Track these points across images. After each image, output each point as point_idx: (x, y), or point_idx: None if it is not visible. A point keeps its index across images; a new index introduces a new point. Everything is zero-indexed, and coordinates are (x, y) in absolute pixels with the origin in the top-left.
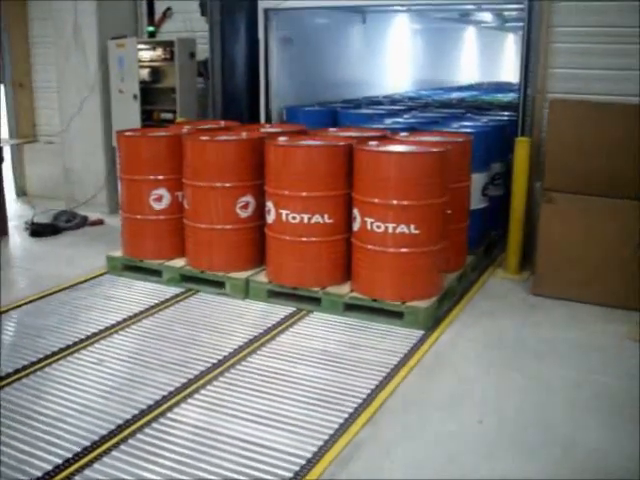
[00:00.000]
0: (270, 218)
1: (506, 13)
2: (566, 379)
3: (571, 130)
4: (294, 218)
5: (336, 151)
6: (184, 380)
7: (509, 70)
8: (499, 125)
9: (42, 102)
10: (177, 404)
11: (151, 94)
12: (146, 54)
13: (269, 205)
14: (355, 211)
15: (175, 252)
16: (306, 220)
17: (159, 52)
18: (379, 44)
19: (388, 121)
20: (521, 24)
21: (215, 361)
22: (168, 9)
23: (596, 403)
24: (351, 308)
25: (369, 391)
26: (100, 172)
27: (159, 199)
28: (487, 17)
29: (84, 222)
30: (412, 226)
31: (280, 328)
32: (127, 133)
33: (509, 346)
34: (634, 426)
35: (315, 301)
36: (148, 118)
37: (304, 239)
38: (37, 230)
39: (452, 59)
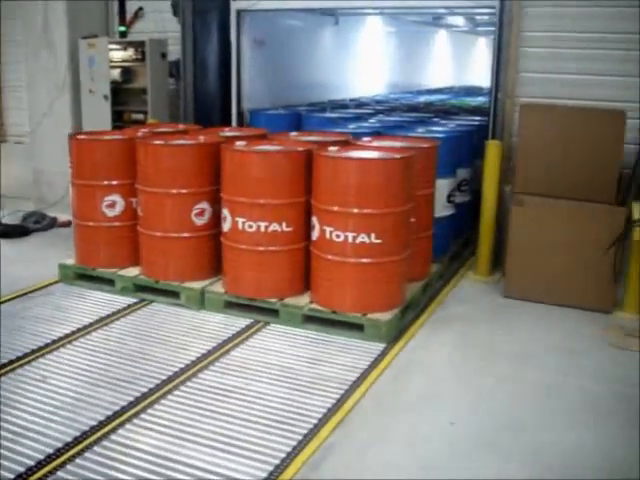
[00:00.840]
0: (226, 226)
1: (478, 17)
2: (537, 381)
3: (541, 134)
4: (250, 226)
5: (294, 157)
6: (131, 398)
7: (480, 74)
8: (466, 130)
9: (11, 102)
10: (122, 425)
11: (122, 95)
12: (117, 54)
13: (225, 213)
14: (314, 219)
15: (129, 260)
16: (263, 228)
17: (130, 52)
18: (352, 46)
19: (352, 125)
20: (492, 28)
21: (165, 377)
22: (140, 9)
23: (567, 404)
24: (310, 320)
25: (325, 410)
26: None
27: (112, 205)
28: (459, 21)
29: (53, 223)
30: (373, 235)
31: (235, 341)
32: (79, 136)
33: (479, 350)
34: (605, 426)
35: (273, 313)
36: (119, 119)
37: (261, 248)
38: (5, 231)
39: (424, 62)
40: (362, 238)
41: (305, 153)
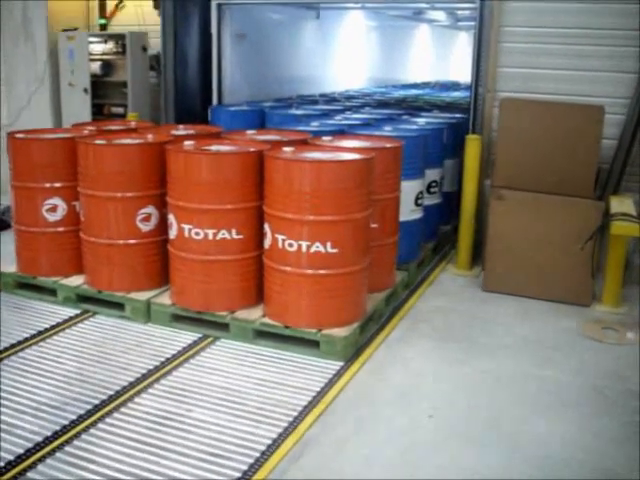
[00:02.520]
0: (172, 233)
1: (459, 12)
2: (516, 373)
3: (521, 128)
4: (197, 234)
5: (244, 158)
6: (57, 427)
7: (459, 69)
8: (437, 128)
9: None
10: (41, 460)
11: (102, 88)
12: (97, 47)
13: (171, 219)
14: (266, 226)
15: (73, 269)
16: (211, 236)
17: (110, 45)
18: (333, 40)
19: (316, 123)
20: (473, 23)
21: (98, 402)
22: (120, 1)
23: (546, 397)
24: (263, 335)
25: (270, 442)
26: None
27: (53, 209)
28: (440, 16)
29: None
30: (328, 244)
31: (180, 359)
32: (18, 135)
33: (456, 344)
34: (582, 419)
35: (223, 327)
36: (98, 112)
37: (209, 257)
38: None
39: (404, 57)
40: (317, 247)
41: (257, 154)
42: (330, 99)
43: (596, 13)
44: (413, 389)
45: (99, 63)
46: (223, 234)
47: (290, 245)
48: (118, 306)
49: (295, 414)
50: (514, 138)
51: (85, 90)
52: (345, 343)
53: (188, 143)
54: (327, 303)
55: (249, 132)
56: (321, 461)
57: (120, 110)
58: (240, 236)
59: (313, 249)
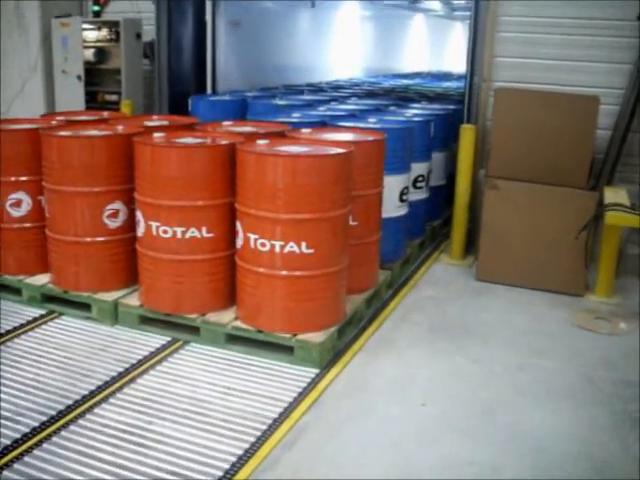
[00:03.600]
0: (140, 231)
1: (454, 2)
2: (509, 363)
3: (516, 118)
4: (165, 232)
5: (215, 152)
6: (6, 442)
7: (453, 59)
8: (423, 120)
9: None
10: None
11: (96, 75)
12: (91, 34)
13: (138, 215)
14: (238, 225)
15: (40, 267)
16: (180, 234)
17: (104, 32)
18: (328, 30)
19: (298, 114)
20: (469, 13)
21: (54, 413)
22: None
23: (539, 387)
24: (235, 340)
25: (235, 459)
26: None
27: (18, 204)
28: (436, 5)
29: None
30: (303, 244)
31: (146, 365)
32: None
33: (448, 332)
34: (574, 408)
35: (193, 330)
36: (92, 100)
37: (178, 257)
38: None
39: (398, 46)
40: (291, 247)
41: (228, 147)
42: (317, 89)
43: (592, 4)
44: (393, 398)
45: (93, 50)
46: (192, 232)
47: (263, 245)
48: (84, 307)
49: (264, 428)
50: (509, 128)
51: (79, 77)
52: (321, 349)
53: (158, 135)
54: (302, 306)
55: (225, 123)
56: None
57: (114, 97)
58: (210, 235)
59: (287, 249)
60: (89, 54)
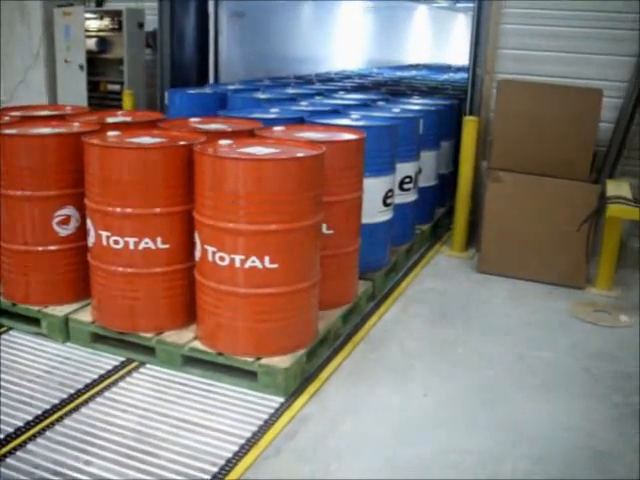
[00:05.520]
0: (90, 240)
1: None
2: (509, 353)
3: (519, 110)
4: (117, 242)
5: (170, 153)
6: None
7: (454, 50)
8: (412, 116)
9: None
10: None
11: (98, 65)
12: (93, 23)
13: (88, 223)
14: (196, 235)
15: None
16: (132, 245)
17: (106, 22)
18: (329, 21)
19: (276, 109)
20: (471, 4)
21: None
22: None
23: (538, 378)
24: (193, 362)
25: None
26: None
27: None
28: None
29: None
30: (267, 259)
31: (93, 391)
32: None
33: (451, 323)
34: (573, 400)
35: (149, 350)
36: (95, 89)
37: (131, 270)
38: None
39: (400, 38)
40: (253, 262)
41: (185, 149)
42: (305, 81)
43: None
44: (369, 430)
45: (95, 39)
46: (146, 243)
47: (221, 259)
48: (34, 321)
49: (215, 470)
50: (512, 120)
51: (81, 67)
52: (287, 375)
53: (112, 134)
54: (266, 327)
55: (192, 120)
56: None
57: (116, 87)
58: (166, 246)
59: (248, 264)
60: (91, 43)
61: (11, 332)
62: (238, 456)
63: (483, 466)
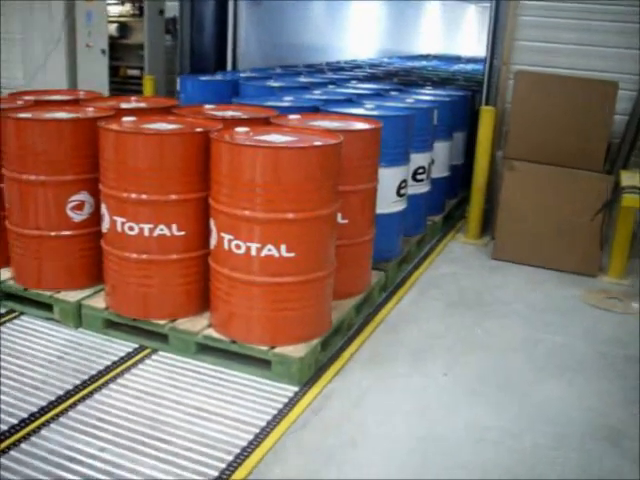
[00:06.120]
0: (105, 226)
1: None
2: (524, 338)
3: (535, 101)
4: (132, 228)
5: (186, 140)
6: None
7: (465, 41)
8: (426, 107)
9: (3, 55)
10: None
11: (118, 50)
12: (114, 9)
13: (103, 209)
14: (211, 223)
15: (2, 261)
16: (147, 232)
17: (127, 7)
18: (344, 10)
19: (290, 97)
20: None
21: None
22: None
23: (553, 361)
24: (206, 350)
25: None
26: None
27: None
28: None
29: None
30: (283, 247)
31: (106, 378)
32: None
33: (466, 309)
34: (588, 382)
35: (162, 337)
36: (115, 74)
37: (146, 256)
38: None
39: (412, 29)
40: (268, 250)
41: (202, 135)
42: (316, 70)
43: None
44: (384, 419)
45: (116, 25)
46: (161, 230)
47: (237, 247)
48: (47, 307)
49: (230, 459)
50: (528, 111)
51: (103, 51)
52: (301, 365)
53: (127, 119)
54: (281, 316)
55: (207, 107)
56: None
57: (136, 72)
58: (182, 233)
59: (264, 252)
60: (112, 29)
61: (23, 317)
62: (253, 445)
63: (503, 441)
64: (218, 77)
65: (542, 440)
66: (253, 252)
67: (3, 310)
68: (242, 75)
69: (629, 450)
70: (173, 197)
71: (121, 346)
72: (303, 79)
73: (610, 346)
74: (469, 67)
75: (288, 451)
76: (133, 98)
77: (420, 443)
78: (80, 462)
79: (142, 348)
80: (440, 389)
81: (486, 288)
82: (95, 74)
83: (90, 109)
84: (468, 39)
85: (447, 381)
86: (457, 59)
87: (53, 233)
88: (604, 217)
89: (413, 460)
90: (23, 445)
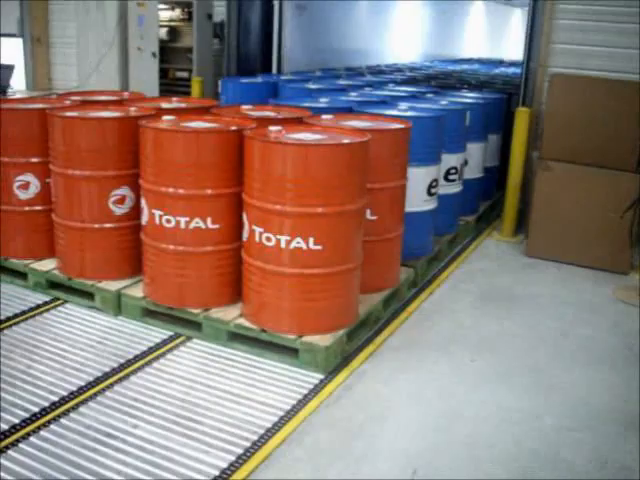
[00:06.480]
0: (144, 219)
1: None
2: (553, 329)
3: (569, 103)
4: (169, 221)
5: (221, 137)
6: None
7: (509, 45)
8: (457, 109)
9: (59, 57)
10: None
11: (167, 53)
12: (164, 14)
13: (142, 203)
14: (244, 216)
15: (49, 251)
16: (183, 224)
17: (177, 12)
18: (388, 14)
19: (326, 99)
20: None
21: (37, 410)
22: None
23: (580, 351)
24: (238, 338)
25: (217, 472)
26: None
27: (25, 186)
28: None
29: None
30: (311, 240)
31: (141, 362)
32: None
33: (497, 302)
34: (613, 371)
35: (196, 326)
36: (163, 76)
37: (182, 248)
38: None
39: (456, 32)
40: (297, 243)
41: (236, 134)
42: (356, 73)
43: None
44: (396, 408)
45: (166, 29)
46: (197, 223)
47: (268, 239)
48: (88, 295)
49: (255, 438)
50: (562, 112)
51: (153, 54)
52: (327, 354)
53: (167, 118)
54: (309, 306)
55: (244, 107)
56: None
57: (184, 74)
58: (216, 226)
59: (293, 245)
60: (162, 33)
61: (67, 305)
62: (277, 426)
63: (526, 422)
64: (258, 79)
65: (564, 422)
66: (283, 244)
67: (48, 298)
68: (282, 78)
69: None
70: (208, 192)
71: (157, 333)
72: (342, 81)
73: (637, 339)
74: (510, 70)
75: (316, 427)
76: (175, 99)
77: (445, 421)
78: (115, 437)
79: (177, 335)
80: (467, 373)
81: (518, 283)
82: (146, 76)
83: (133, 109)
84: (512, 43)
85: (475, 366)
86: (499, 63)
87: (96, 225)
88: (634, 215)
89: (438, 436)
90: (63, 420)
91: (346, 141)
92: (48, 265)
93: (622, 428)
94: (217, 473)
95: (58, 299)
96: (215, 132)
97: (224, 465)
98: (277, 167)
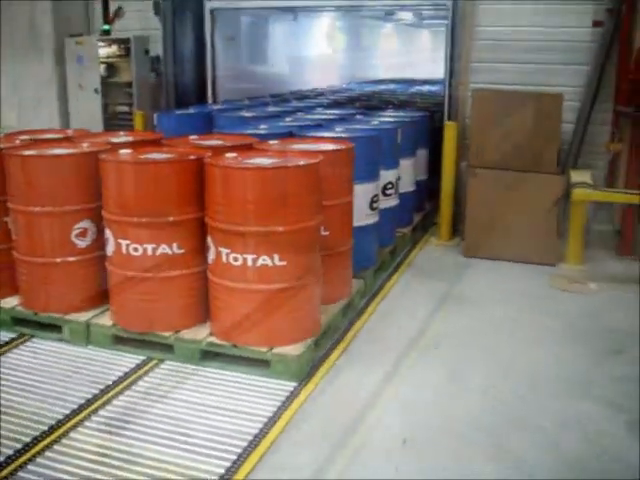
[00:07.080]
0: (109, 249)
1: (424, 12)
2: (505, 317)
3: (491, 115)
4: (136, 249)
5: (183, 166)
6: None
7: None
8: (390, 128)
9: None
10: None
11: (106, 89)
12: (102, 51)
13: (107, 234)
14: (209, 239)
15: (10, 289)
16: (150, 251)
17: (114, 49)
18: (308, 40)
19: (264, 125)
20: (436, 21)
21: (29, 439)
22: (119, 8)
23: (532, 333)
24: (210, 356)
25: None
26: None
27: None
28: (407, 15)
29: None
30: (276, 257)
31: (121, 386)
32: None
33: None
34: (562, 347)
35: (168, 348)
36: (103, 111)
37: (149, 274)
38: None
39: (371, 55)
40: (263, 260)
41: (196, 162)
42: (282, 99)
43: (553, 11)
44: (370, 405)
45: (103, 65)
46: (164, 249)
47: (235, 259)
48: (56, 328)
49: (245, 444)
50: (485, 123)
51: (96, 90)
52: (299, 362)
53: (124, 152)
54: (277, 319)
55: (192, 137)
56: None
57: (125, 108)
58: (181, 250)
59: (259, 262)
60: (101, 69)
61: (33, 339)
62: (263, 432)
63: (488, 391)
64: (191, 111)
65: (521, 390)
66: (249, 263)
67: (15, 334)
68: (215, 108)
69: (598, 397)
70: (173, 218)
71: (130, 359)
72: (271, 108)
73: (577, 319)
74: (425, 88)
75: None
76: (122, 133)
77: (421, 403)
78: (112, 457)
79: (149, 359)
80: (433, 363)
81: (461, 279)
82: (88, 112)
83: (85, 144)
84: (421, 62)
85: (438, 353)
86: (412, 82)
87: (59, 260)
88: (559, 211)
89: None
90: (56, 446)
91: (301, 163)
92: (11, 302)
93: (574, 390)
94: (216, 479)
95: (24, 335)
96: (177, 162)
97: (221, 471)
98: (239, 191)
